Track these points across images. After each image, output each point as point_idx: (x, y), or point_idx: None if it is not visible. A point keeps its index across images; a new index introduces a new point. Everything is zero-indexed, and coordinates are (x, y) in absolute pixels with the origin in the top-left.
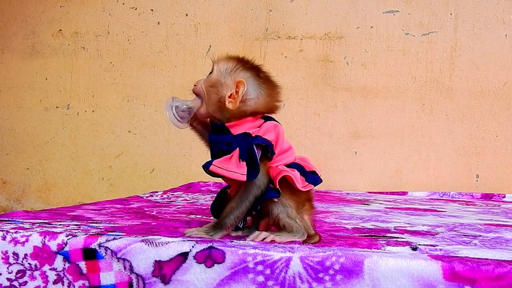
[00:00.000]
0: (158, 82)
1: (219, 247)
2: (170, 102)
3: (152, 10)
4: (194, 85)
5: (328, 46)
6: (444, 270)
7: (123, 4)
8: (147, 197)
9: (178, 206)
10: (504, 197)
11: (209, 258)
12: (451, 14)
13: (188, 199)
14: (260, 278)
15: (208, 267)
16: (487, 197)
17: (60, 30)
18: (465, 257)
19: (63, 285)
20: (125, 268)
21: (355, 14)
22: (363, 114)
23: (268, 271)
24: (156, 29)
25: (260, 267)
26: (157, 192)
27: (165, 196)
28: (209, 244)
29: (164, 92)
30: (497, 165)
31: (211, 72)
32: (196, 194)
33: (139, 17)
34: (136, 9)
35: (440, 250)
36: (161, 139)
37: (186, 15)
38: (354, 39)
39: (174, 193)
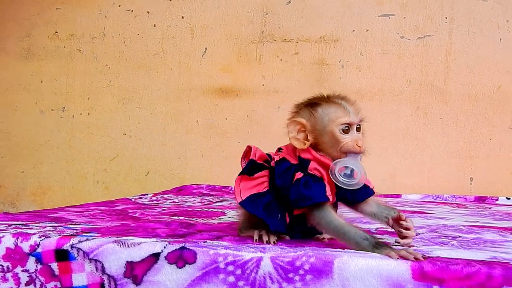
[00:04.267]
0: (154, 84)
1: (190, 248)
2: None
3: (148, 12)
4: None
5: (324, 49)
6: (413, 270)
7: (119, 6)
8: (135, 199)
9: (164, 208)
10: (497, 200)
11: (181, 258)
12: (446, 18)
13: (176, 201)
14: (231, 279)
15: (180, 268)
16: (480, 200)
17: (56, 32)
18: (436, 257)
19: (35, 286)
20: (97, 269)
21: (351, 17)
22: None
23: (239, 272)
24: (152, 32)
25: (231, 268)
26: (147, 194)
27: (154, 198)
28: (181, 245)
29: (160, 94)
30: (491, 168)
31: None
32: (186, 196)
33: (135, 19)
34: (132, 12)
35: (414, 250)
36: (156, 142)
37: (182, 17)
38: (350, 42)
39: (164, 196)
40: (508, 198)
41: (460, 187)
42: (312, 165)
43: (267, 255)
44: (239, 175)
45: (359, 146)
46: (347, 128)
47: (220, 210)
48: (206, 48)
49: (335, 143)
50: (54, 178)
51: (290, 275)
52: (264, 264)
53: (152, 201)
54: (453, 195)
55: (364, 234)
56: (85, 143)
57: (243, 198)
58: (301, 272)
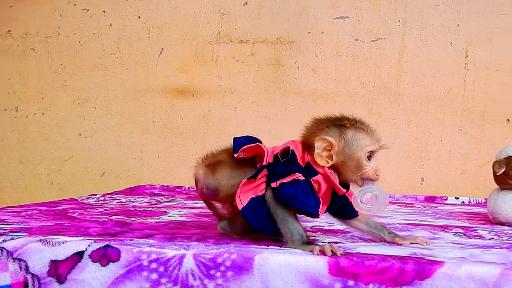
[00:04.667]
0: (110, 84)
1: (115, 246)
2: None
3: (104, 11)
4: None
5: (280, 50)
6: (329, 265)
7: (75, 5)
8: (82, 199)
9: (106, 208)
10: (446, 199)
11: (104, 256)
12: (399, 21)
13: (124, 201)
14: (154, 276)
15: (103, 266)
16: (430, 199)
17: (9, 30)
18: (356, 253)
19: None
20: (20, 268)
21: (306, 19)
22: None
23: (161, 269)
24: (108, 31)
25: (154, 265)
26: (96, 195)
27: (102, 198)
28: (106, 243)
29: (116, 94)
30: (441, 168)
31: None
32: (136, 196)
33: (91, 18)
34: (88, 11)
35: (339, 247)
36: (112, 143)
37: (139, 17)
38: (305, 44)
39: (114, 196)
40: (457, 198)
41: (411, 187)
42: (318, 177)
43: (190, 252)
44: (246, 179)
45: (377, 175)
46: (370, 155)
47: (163, 210)
48: (162, 48)
49: (358, 168)
50: (7, 179)
51: (212, 271)
52: (187, 261)
53: (98, 201)
54: (404, 195)
55: (302, 232)
56: (39, 143)
57: (244, 205)
58: (222, 268)
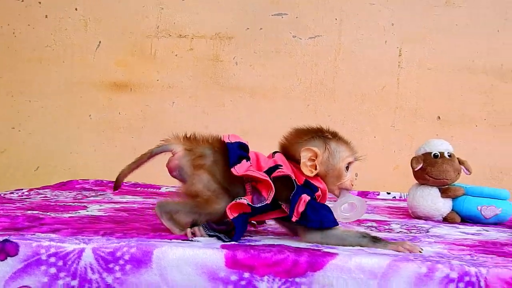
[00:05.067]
0: (45, 77)
1: (13, 240)
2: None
3: (39, 2)
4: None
5: (218, 46)
6: (226, 258)
7: None
8: (5, 194)
9: (25, 203)
10: (378, 194)
11: (2, 251)
12: (336, 19)
13: (48, 196)
14: (52, 270)
15: (1, 260)
16: (363, 194)
17: None
18: (254, 245)
19: None
20: None
21: (245, 15)
22: (250, 113)
23: (60, 263)
24: (43, 23)
25: (52, 259)
26: (22, 189)
27: (26, 193)
28: (4, 238)
29: (51, 87)
30: (375, 164)
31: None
32: (64, 191)
33: (26, 9)
34: (22, 1)
35: (247, 242)
36: (47, 137)
37: (76, 9)
38: (244, 40)
39: (40, 191)
40: (389, 193)
41: None
42: (318, 193)
43: (89, 247)
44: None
45: (352, 185)
46: (348, 166)
47: (84, 205)
48: (100, 42)
49: (338, 179)
50: None
51: (111, 265)
52: (86, 255)
53: (22, 196)
54: None
55: (360, 232)
56: None
57: (235, 215)
58: (121, 262)
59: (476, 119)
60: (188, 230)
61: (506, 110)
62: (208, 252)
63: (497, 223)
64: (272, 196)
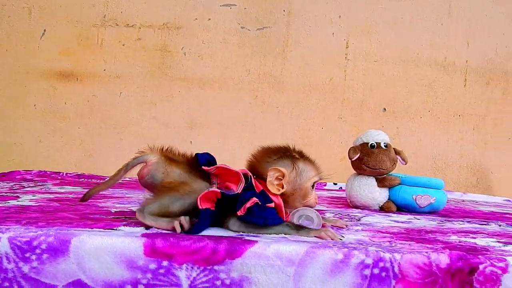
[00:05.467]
0: None
1: None
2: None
3: None
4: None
5: (166, 36)
6: (145, 246)
7: None
8: None
9: None
10: (325, 185)
11: None
12: (284, 10)
13: None
14: None
15: None
16: None
17: None
18: (171, 233)
19: None
20: None
21: (194, 5)
22: (199, 104)
23: None
24: None
25: None
26: None
27: None
28: None
29: None
30: (322, 155)
31: None
32: (2, 182)
33: None
34: None
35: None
36: None
37: None
38: (192, 30)
39: None
40: (335, 184)
41: None
42: (271, 205)
43: (5, 236)
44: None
45: (316, 203)
46: (313, 185)
47: (16, 195)
48: (45, 30)
49: (304, 197)
50: None
51: (27, 254)
52: (1, 245)
53: None
54: None
55: (289, 224)
56: None
57: (203, 207)
58: (38, 251)
59: (421, 111)
60: (176, 223)
61: (450, 102)
62: (127, 241)
63: (432, 211)
64: (241, 188)
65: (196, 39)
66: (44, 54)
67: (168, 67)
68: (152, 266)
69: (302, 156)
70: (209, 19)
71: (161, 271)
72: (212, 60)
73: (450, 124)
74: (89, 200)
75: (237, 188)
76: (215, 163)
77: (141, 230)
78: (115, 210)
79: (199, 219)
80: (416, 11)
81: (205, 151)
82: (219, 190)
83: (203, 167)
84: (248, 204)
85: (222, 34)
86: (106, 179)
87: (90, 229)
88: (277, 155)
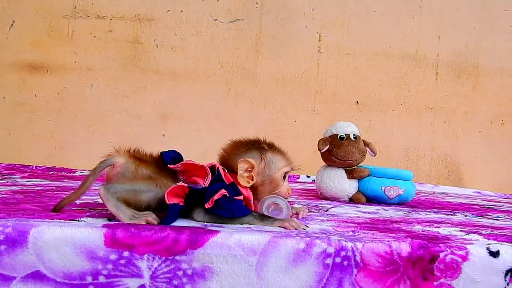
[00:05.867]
0: None
1: None
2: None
3: None
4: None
5: (138, 27)
6: (105, 237)
7: None
8: None
9: None
10: (298, 178)
11: None
12: (257, 3)
13: None
14: None
15: None
16: None
17: None
18: (133, 224)
19: None
20: None
21: None
22: (172, 97)
23: None
24: None
25: None
26: None
27: None
28: None
29: None
30: (296, 148)
31: None
32: None
33: None
34: None
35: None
36: None
37: None
38: (164, 22)
39: None
40: (308, 176)
41: None
42: (239, 198)
43: None
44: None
45: (289, 194)
46: (284, 176)
47: None
48: (13, 21)
49: (274, 188)
50: None
51: None
52: None
53: None
54: None
55: (254, 213)
56: None
57: (170, 202)
58: None
59: (393, 104)
60: (142, 218)
61: (421, 95)
62: (87, 231)
63: (400, 203)
64: (208, 181)
65: (169, 31)
66: (13, 45)
67: (140, 59)
68: (113, 256)
69: (271, 147)
70: (182, 11)
71: (122, 261)
72: (185, 52)
73: (422, 117)
74: (55, 192)
75: (204, 182)
76: (182, 160)
77: (103, 221)
78: (79, 201)
79: (166, 214)
80: (388, 4)
81: (171, 149)
82: (186, 185)
83: (168, 165)
84: (215, 197)
85: (195, 26)
86: (76, 188)
87: (50, 220)
88: (246, 147)
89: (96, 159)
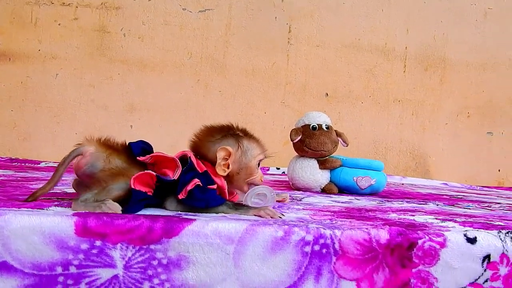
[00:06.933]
0: None
1: None
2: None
3: None
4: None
5: (105, 16)
6: (76, 225)
7: None
8: None
9: None
10: (268, 169)
11: None
12: None
13: None
14: None
15: None
16: None
17: None
18: (105, 212)
19: None
20: None
21: None
22: (139, 87)
23: None
24: None
25: None
26: None
27: None
28: None
29: None
30: (266, 140)
31: None
32: None
33: None
34: None
35: None
36: None
37: None
38: (132, 11)
39: None
40: (278, 168)
41: None
42: (213, 186)
43: None
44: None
45: (262, 181)
46: (258, 163)
47: None
48: None
49: (249, 176)
50: None
51: None
52: None
53: None
54: None
55: (228, 202)
56: None
57: (136, 189)
58: None
59: (362, 96)
60: (104, 207)
61: (389, 88)
62: (56, 220)
63: (372, 193)
64: (178, 174)
65: (136, 20)
66: None
67: (107, 48)
68: (84, 246)
69: (246, 134)
70: None
71: (94, 251)
72: (153, 42)
73: (390, 109)
74: (20, 182)
75: (174, 175)
76: (152, 150)
77: (70, 210)
78: (56, 191)
79: (130, 201)
80: None
81: (140, 139)
82: (154, 173)
83: (137, 157)
84: (189, 187)
85: (163, 15)
86: (48, 180)
87: (16, 209)
88: (221, 134)
89: (61, 150)
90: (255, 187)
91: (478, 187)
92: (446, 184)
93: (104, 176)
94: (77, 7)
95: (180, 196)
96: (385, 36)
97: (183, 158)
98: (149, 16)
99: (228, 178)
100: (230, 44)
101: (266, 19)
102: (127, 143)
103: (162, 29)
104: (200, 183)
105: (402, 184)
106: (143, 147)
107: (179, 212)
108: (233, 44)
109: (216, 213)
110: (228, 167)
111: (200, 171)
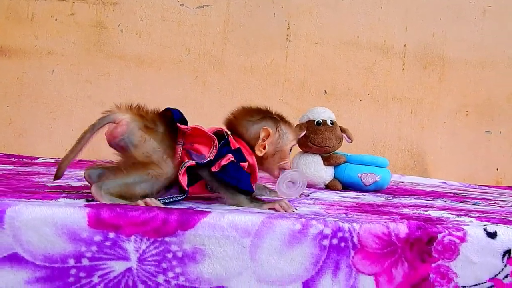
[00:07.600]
0: None
1: None
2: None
3: None
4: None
5: (102, 11)
6: (89, 217)
7: None
8: None
9: None
10: None
11: None
12: None
13: None
14: None
15: None
16: None
17: None
18: (118, 203)
19: None
20: None
21: None
22: (137, 83)
23: None
24: None
25: None
26: None
27: None
28: None
29: None
30: None
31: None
32: None
33: None
34: None
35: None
36: None
37: None
38: (129, 6)
39: None
40: None
41: None
42: (244, 164)
43: None
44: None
45: (290, 166)
46: (290, 149)
47: None
48: None
49: (281, 160)
50: None
51: None
52: None
53: None
54: None
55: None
56: None
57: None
58: None
59: (361, 94)
60: (140, 202)
61: (388, 85)
62: (69, 211)
63: (376, 190)
64: (214, 154)
65: (134, 15)
66: None
67: (104, 44)
68: (97, 238)
69: (282, 118)
70: None
71: (107, 243)
72: (151, 38)
73: (389, 107)
74: (22, 175)
75: (208, 154)
76: (186, 121)
77: (83, 201)
78: (51, 184)
79: (174, 199)
80: None
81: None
82: (193, 162)
83: (178, 124)
84: (223, 162)
85: (161, 11)
86: (72, 146)
87: (26, 200)
88: (260, 115)
89: (57, 146)
90: (287, 172)
91: (477, 186)
92: (445, 182)
93: (136, 156)
94: (74, 2)
95: (213, 169)
96: (384, 34)
97: (218, 134)
98: (147, 11)
99: (261, 159)
100: (228, 40)
101: (264, 15)
102: (160, 110)
103: (159, 25)
104: (234, 159)
105: (402, 182)
106: (182, 117)
107: (208, 180)
108: (231, 40)
109: (233, 200)
110: (264, 148)
111: (233, 148)
